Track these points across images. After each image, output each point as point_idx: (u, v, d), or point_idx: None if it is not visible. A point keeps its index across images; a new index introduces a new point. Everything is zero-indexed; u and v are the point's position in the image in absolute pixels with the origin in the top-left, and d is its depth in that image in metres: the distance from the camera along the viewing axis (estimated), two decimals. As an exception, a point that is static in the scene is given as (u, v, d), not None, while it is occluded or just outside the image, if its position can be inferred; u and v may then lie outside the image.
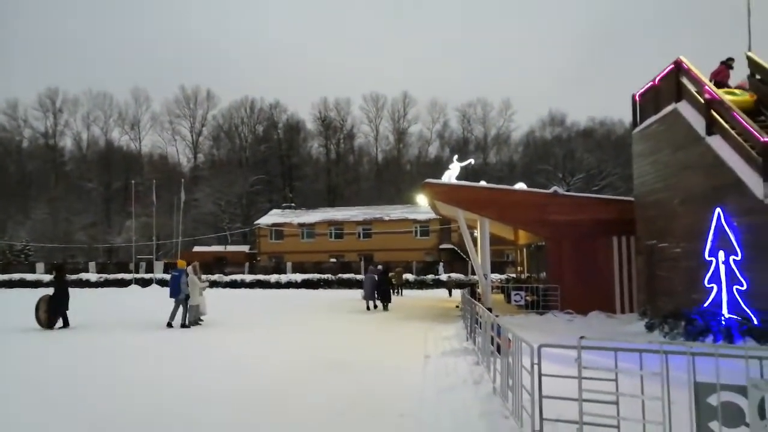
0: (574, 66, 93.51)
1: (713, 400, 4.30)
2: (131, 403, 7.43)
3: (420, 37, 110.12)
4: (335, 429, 6.33)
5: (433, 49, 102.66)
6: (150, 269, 43.94)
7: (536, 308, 18.11)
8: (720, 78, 14.70)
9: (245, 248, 59.97)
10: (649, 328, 13.28)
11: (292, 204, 63.81)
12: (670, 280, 14.07)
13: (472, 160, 29.32)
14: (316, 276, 39.95)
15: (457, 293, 28.58)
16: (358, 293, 27.34)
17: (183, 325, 15.82)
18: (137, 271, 43.70)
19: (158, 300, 26.49)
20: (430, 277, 38.86)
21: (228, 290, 37.84)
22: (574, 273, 17.80)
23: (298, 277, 39.98)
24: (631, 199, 17.46)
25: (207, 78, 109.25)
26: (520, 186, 23.49)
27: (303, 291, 37.00)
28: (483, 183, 24.43)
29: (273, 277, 40.50)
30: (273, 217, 58.00)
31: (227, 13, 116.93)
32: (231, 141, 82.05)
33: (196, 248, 57.61)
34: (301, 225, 54.93)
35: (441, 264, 41.04)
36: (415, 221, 52.75)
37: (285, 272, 42.24)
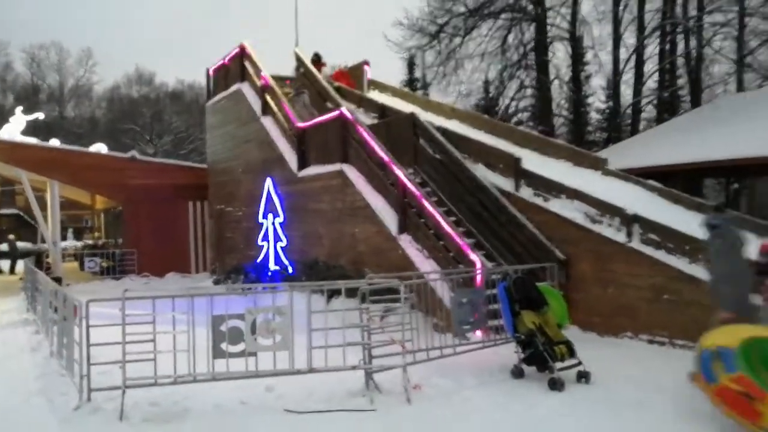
0: (165, 25, 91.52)
1: (224, 327, 5.76)
2: None
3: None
4: None
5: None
6: None
7: (113, 274, 18.07)
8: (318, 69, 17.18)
9: None
10: (217, 283, 15.05)
11: None
12: (234, 240, 16.20)
13: (41, 114, 26.32)
14: None
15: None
16: None
17: None
18: None
19: None
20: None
21: None
22: (151, 237, 18.32)
23: None
24: (205, 166, 19.02)
25: None
26: (99, 147, 22.56)
27: None
28: (55, 141, 22.47)
29: None
30: None
31: None
32: None
33: None
34: None
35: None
36: (-40, 180, 43.73)
37: None
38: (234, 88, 16.12)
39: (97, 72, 69.30)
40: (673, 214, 8.64)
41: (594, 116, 26.35)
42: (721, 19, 19.61)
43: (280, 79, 16.04)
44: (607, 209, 8.60)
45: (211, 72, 17.91)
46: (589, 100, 25.25)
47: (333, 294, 8.48)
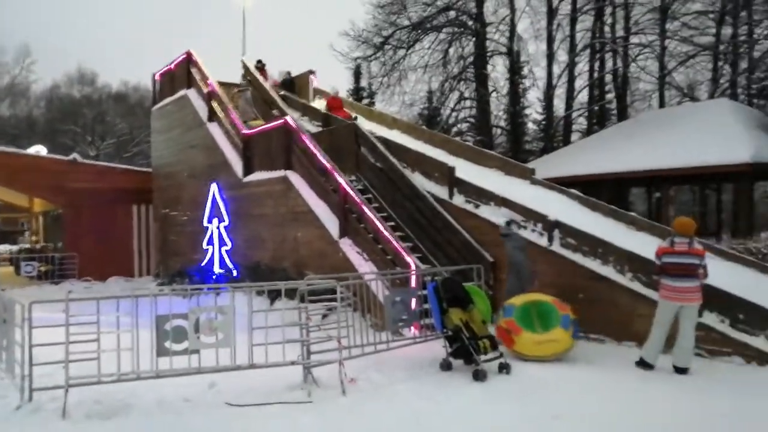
0: (108, 26, 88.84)
1: (168, 326, 6.04)
2: None
3: None
4: None
5: None
6: None
7: (52, 278, 17.70)
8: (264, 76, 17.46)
9: None
10: (161, 286, 15.09)
11: None
12: (179, 244, 16.24)
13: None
14: None
15: None
16: None
17: None
18: None
19: None
20: None
21: None
22: (93, 241, 18.02)
23: None
24: (150, 170, 18.93)
25: None
26: (38, 149, 22.08)
27: None
28: (-11, 143, 21.83)
29: None
30: None
31: None
32: None
33: None
34: None
35: None
36: None
37: None
38: (180, 93, 16.20)
39: (35, 71, 66.68)
40: (590, 220, 9.43)
41: (531, 127, 27.59)
42: (645, 40, 21.12)
43: (227, 86, 16.24)
44: (532, 215, 9.31)
45: (157, 77, 17.89)
46: (527, 111, 26.46)
47: (276, 296, 8.87)
